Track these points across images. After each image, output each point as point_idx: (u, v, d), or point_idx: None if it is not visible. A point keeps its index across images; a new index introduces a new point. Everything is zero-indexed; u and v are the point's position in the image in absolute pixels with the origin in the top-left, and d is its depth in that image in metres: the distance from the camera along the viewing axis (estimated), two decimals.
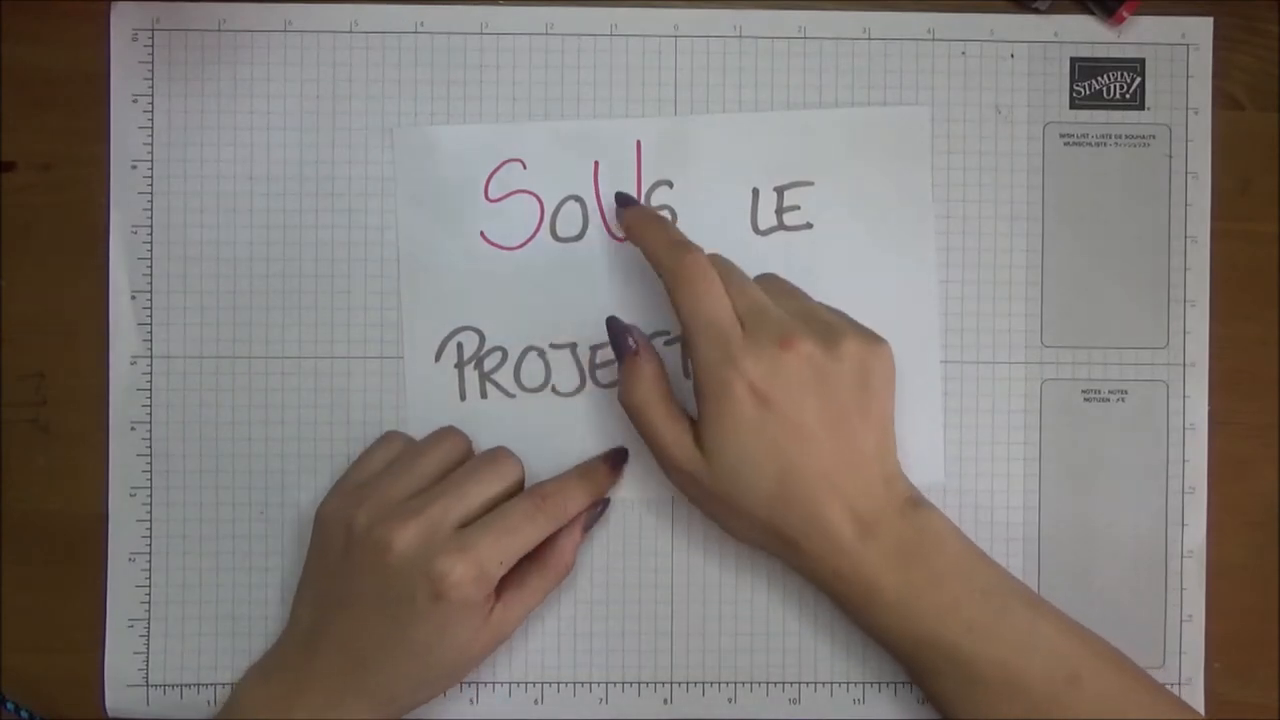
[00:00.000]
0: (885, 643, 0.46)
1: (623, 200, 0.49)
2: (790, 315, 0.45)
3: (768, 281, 0.48)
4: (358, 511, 0.45)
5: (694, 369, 0.45)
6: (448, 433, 0.48)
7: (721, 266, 0.46)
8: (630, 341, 0.46)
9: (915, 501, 0.46)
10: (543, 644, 0.50)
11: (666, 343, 0.50)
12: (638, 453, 0.50)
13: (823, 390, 0.44)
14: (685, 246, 0.46)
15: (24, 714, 0.48)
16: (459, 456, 0.48)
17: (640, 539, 0.50)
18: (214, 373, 0.50)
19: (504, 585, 0.46)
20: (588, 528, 0.49)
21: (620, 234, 0.50)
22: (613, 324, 0.47)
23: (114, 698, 0.50)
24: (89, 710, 0.50)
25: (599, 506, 0.49)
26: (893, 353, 0.46)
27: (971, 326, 0.50)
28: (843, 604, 0.46)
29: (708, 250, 0.46)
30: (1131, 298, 0.50)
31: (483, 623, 0.45)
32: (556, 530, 0.47)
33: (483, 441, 0.49)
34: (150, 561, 0.50)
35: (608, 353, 0.50)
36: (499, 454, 0.48)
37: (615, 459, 0.49)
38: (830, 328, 0.45)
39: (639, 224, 0.47)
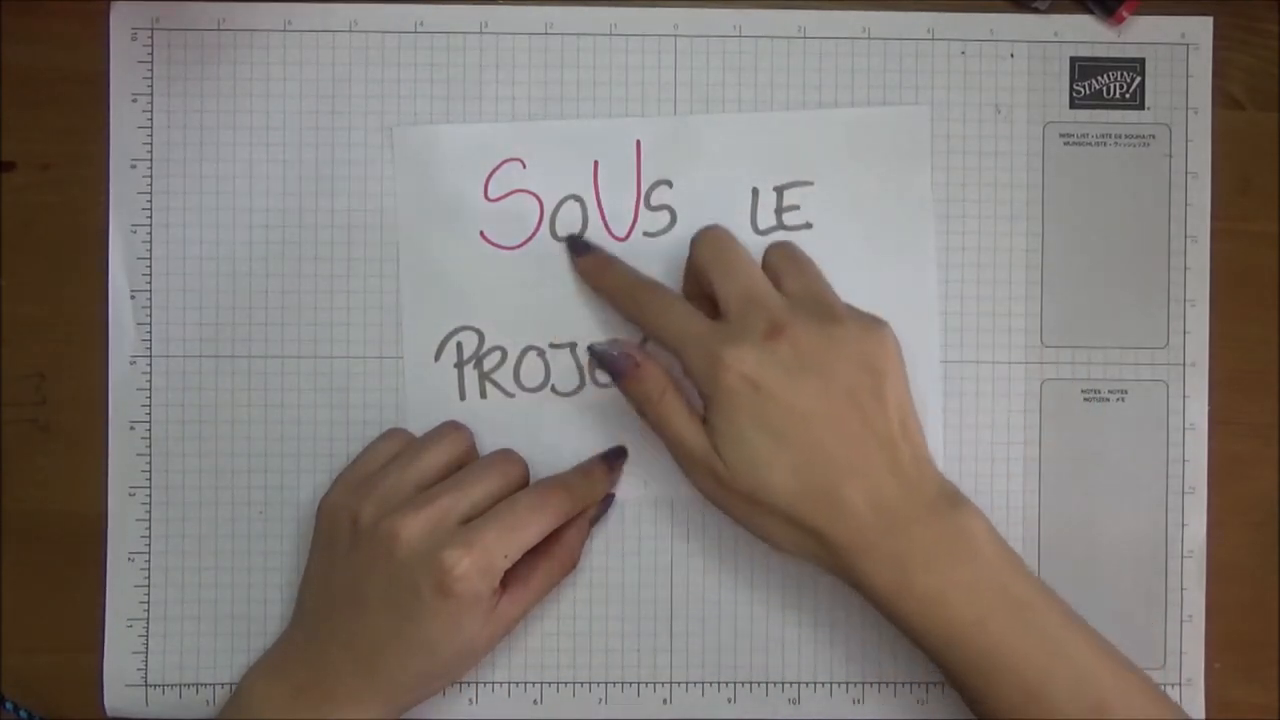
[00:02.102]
0: (911, 638, 0.44)
1: (577, 248, 0.49)
2: (787, 300, 0.45)
3: (776, 256, 0.47)
4: (363, 504, 0.46)
5: (689, 377, 0.45)
6: (450, 427, 0.49)
7: (721, 247, 0.46)
8: (619, 355, 0.45)
9: (951, 497, 0.44)
10: (542, 644, 0.50)
11: None
12: (637, 453, 0.50)
13: (822, 373, 0.43)
14: (639, 284, 0.47)
15: (23, 714, 0.48)
16: (462, 451, 0.48)
17: (640, 539, 0.50)
18: (213, 372, 0.50)
19: (509, 579, 0.45)
20: (594, 522, 0.49)
21: (621, 234, 0.50)
22: (596, 349, 0.46)
23: (113, 698, 0.50)
24: (88, 710, 0.50)
25: (604, 502, 0.49)
26: (895, 336, 0.45)
27: (971, 326, 0.50)
28: (870, 597, 0.44)
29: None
30: (1131, 298, 0.50)
31: (488, 616, 0.45)
32: (562, 525, 0.47)
33: (483, 441, 0.49)
34: (149, 561, 0.50)
35: None
36: (503, 453, 0.48)
37: (613, 457, 0.49)
38: (827, 310, 0.44)
39: (595, 271, 0.49)
